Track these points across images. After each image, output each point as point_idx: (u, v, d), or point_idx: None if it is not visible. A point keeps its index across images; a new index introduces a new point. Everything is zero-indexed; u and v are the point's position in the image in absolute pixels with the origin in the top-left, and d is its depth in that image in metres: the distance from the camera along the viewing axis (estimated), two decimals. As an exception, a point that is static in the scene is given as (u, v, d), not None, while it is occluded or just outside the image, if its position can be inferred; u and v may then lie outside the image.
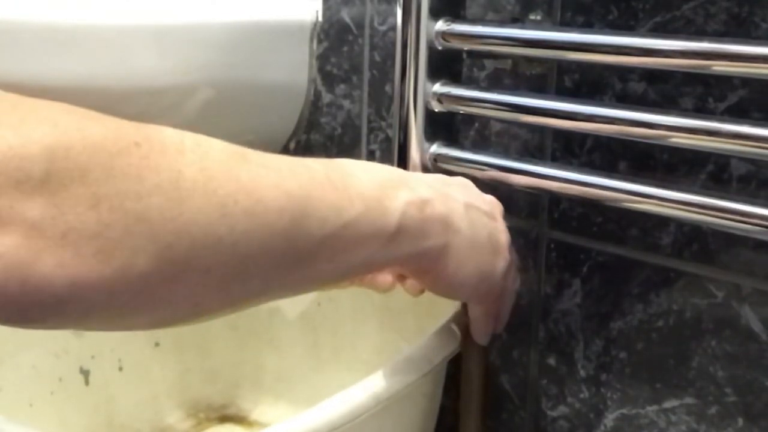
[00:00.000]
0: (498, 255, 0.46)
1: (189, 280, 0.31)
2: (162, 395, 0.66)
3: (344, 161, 0.40)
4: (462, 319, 0.51)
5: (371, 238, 0.38)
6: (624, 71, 0.52)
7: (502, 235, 0.47)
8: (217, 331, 0.69)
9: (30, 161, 0.27)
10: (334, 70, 0.70)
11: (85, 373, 0.61)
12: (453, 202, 0.44)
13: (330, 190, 0.37)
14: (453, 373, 0.54)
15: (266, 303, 0.39)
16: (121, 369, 0.64)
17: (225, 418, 0.69)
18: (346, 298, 0.58)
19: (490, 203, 0.48)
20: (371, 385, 0.44)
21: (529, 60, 0.56)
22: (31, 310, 0.28)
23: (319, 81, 0.71)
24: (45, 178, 0.27)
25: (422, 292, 0.54)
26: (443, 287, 0.45)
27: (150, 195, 0.29)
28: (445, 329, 0.50)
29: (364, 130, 0.69)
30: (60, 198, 0.28)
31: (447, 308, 0.53)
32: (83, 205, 0.28)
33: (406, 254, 0.41)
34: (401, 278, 0.52)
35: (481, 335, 0.51)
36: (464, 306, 0.51)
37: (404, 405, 0.49)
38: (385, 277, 0.52)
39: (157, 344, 0.66)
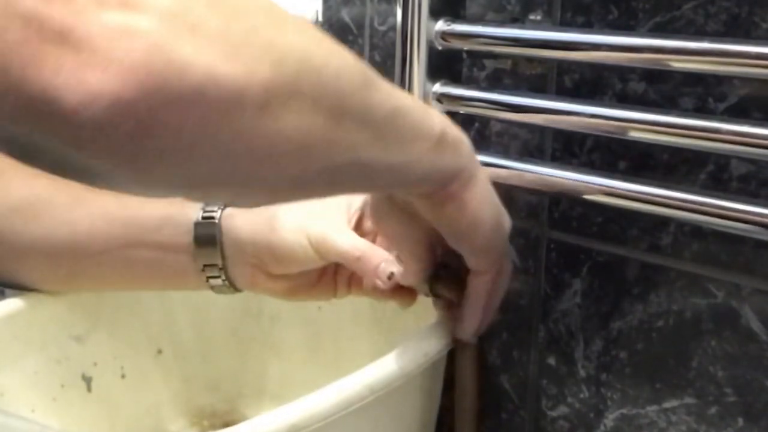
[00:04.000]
0: (504, 215, 0.47)
1: (300, 104, 0.31)
2: (165, 403, 0.66)
3: None
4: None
5: (422, 135, 0.39)
6: (624, 71, 0.52)
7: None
8: (219, 338, 0.69)
9: None
10: (334, 71, 0.70)
11: (88, 380, 0.61)
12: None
13: (382, 80, 0.37)
14: (452, 374, 0.54)
15: (344, 189, 0.40)
16: (123, 376, 0.63)
17: (228, 426, 0.69)
18: (346, 301, 0.59)
19: None
20: (366, 376, 0.44)
21: (529, 60, 0.56)
22: (170, 98, 0.27)
23: (319, 81, 0.71)
24: None
25: (413, 301, 0.54)
26: (465, 220, 0.44)
27: (256, 12, 0.31)
28: (441, 323, 0.50)
29: (364, 131, 0.69)
30: None
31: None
32: (206, 5, 0.29)
33: (447, 167, 0.42)
34: (395, 290, 0.53)
35: (471, 325, 0.49)
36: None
37: (400, 398, 0.49)
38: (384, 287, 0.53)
39: (159, 352, 0.66)
